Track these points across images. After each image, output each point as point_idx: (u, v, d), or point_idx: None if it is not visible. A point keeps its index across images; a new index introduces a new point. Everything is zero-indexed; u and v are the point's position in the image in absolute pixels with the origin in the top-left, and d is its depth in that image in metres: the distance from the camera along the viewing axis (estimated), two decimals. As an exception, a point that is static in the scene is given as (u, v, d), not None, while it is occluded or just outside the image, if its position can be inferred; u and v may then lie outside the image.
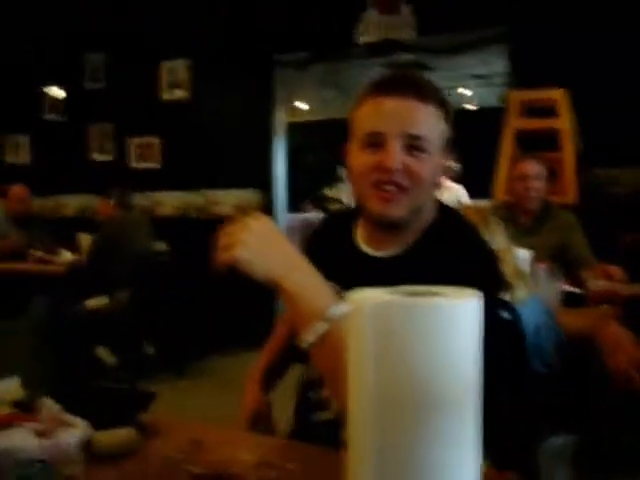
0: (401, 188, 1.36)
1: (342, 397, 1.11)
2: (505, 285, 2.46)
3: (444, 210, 1.51)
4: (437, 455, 0.58)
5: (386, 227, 1.43)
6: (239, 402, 1.80)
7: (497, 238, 2.49)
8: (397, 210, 1.38)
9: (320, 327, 1.11)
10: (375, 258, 1.48)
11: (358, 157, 1.41)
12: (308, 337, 1.13)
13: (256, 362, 1.85)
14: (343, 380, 1.08)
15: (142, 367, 5.28)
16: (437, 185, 1.45)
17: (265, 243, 1.16)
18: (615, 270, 3.24)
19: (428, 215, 1.47)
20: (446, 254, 1.37)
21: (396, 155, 1.34)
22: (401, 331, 0.58)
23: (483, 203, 5.16)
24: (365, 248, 1.51)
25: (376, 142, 1.37)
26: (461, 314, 0.59)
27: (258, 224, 1.17)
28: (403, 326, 0.58)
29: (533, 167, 3.79)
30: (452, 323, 0.58)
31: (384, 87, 1.40)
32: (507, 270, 2.48)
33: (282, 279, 1.15)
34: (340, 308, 1.12)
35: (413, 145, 1.36)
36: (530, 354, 2.39)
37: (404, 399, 0.58)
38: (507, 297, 2.41)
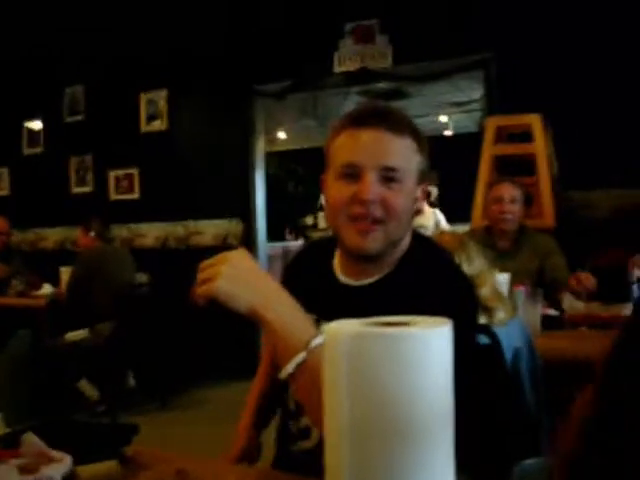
0: (377, 220, 1.38)
1: (321, 423, 1.13)
2: (482, 310, 2.49)
3: (418, 239, 1.53)
4: (412, 480, 0.60)
5: (362, 259, 1.45)
6: (223, 433, 1.80)
7: (475, 262, 2.52)
8: (373, 243, 1.40)
9: (299, 358, 1.12)
10: (352, 287, 1.49)
11: (334, 188, 1.43)
12: (288, 368, 1.13)
13: (251, 390, 1.86)
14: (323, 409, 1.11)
15: (125, 400, 5.24)
16: (413, 215, 1.48)
17: (245, 275, 1.17)
18: (586, 276, 3.25)
19: (404, 245, 1.49)
20: (421, 282, 1.39)
21: (372, 187, 1.37)
22: (374, 361, 0.60)
23: (461, 228, 5.21)
24: (342, 277, 1.53)
25: (352, 173, 1.39)
26: (431, 342, 0.61)
27: (237, 257, 1.19)
28: (376, 356, 0.60)
29: (508, 190, 3.81)
30: (423, 351, 0.60)
31: (360, 119, 1.42)
32: (486, 293, 2.51)
33: (263, 310, 1.15)
34: (319, 339, 1.12)
35: (388, 177, 1.38)
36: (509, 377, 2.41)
37: (378, 426, 0.60)
38: (486, 321, 2.44)
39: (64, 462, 1.23)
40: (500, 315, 2.48)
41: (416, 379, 0.59)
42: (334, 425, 0.63)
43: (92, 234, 5.45)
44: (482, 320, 2.45)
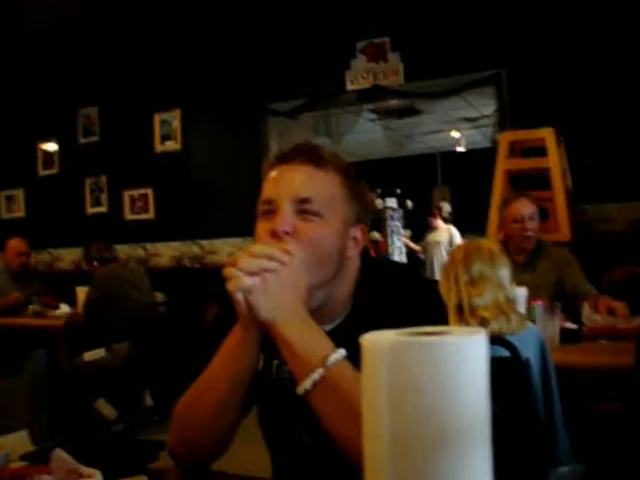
0: None
1: (342, 439, 1.14)
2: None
3: (365, 267, 1.45)
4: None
5: None
6: (242, 448, 1.78)
7: (500, 271, 2.53)
8: None
9: (316, 374, 1.13)
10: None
11: (257, 227, 1.36)
12: (305, 384, 1.15)
13: None
14: (343, 423, 1.11)
15: (142, 418, 5.24)
16: (345, 257, 1.37)
17: (278, 289, 1.18)
18: (618, 305, 3.23)
19: (351, 277, 1.42)
20: (387, 313, 1.24)
21: (285, 218, 1.29)
22: (413, 369, 0.61)
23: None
24: None
25: (270, 210, 1.33)
26: (469, 349, 0.62)
27: (282, 272, 1.19)
28: (415, 364, 0.61)
29: (527, 207, 3.81)
30: (461, 359, 0.61)
31: (282, 157, 1.39)
32: (501, 300, 2.52)
33: (282, 325, 1.18)
34: (337, 355, 1.14)
35: (304, 209, 1.31)
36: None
37: (419, 435, 0.61)
38: (499, 327, 2.45)
39: (94, 478, 1.24)
40: (513, 324, 2.48)
41: (455, 386, 0.60)
42: (375, 436, 0.63)
43: (95, 263, 5.43)
44: (495, 326, 2.46)
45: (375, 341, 0.63)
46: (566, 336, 3.03)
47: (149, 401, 5.58)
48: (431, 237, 9.39)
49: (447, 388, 0.60)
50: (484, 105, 7.54)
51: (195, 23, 6.77)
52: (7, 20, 7.53)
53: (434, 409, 0.60)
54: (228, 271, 1.19)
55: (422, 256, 9.86)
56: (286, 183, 1.33)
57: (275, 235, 1.28)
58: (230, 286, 1.18)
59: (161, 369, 5.44)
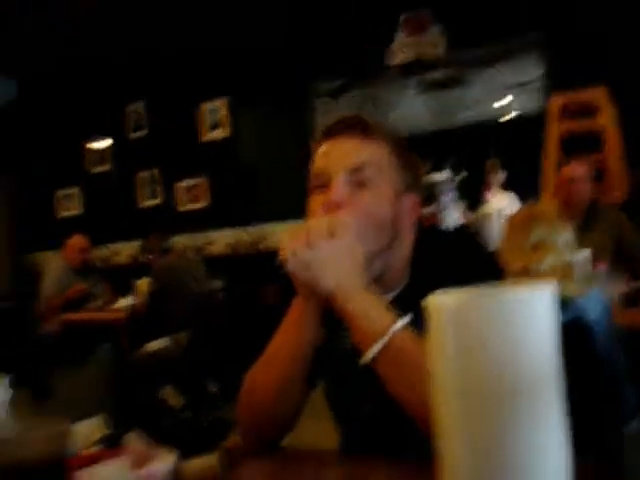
0: None
1: (408, 404, 1.14)
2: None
3: (426, 235, 1.44)
4: (525, 441, 0.60)
5: None
6: (308, 426, 1.78)
7: (561, 235, 2.49)
8: None
9: (380, 343, 1.15)
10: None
11: (310, 202, 1.36)
12: (369, 353, 1.16)
13: None
14: (408, 388, 1.13)
15: (208, 405, 5.31)
16: (399, 225, 1.36)
17: (336, 260, 1.19)
18: None
19: (407, 245, 1.40)
20: (452, 275, 1.14)
21: (338, 189, 1.30)
22: (481, 328, 0.60)
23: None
24: None
25: (323, 183, 1.33)
26: (538, 303, 0.61)
27: (339, 243, 1.20)
28: (483, 322, 0.60)
29: (578, 170, 3.79)
30: (530, 313, 0.61)
31: (329, 131, 1.38)
32: (562, 264, 2.48)
33: (344, 299, 1.19)
34: (399, 323, 1.16)
35: (356, 179, 1.31)
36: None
37: (489, 393, 0.60)
38: (566, 293, 2.41)
39: (169, 458, 1.26)
40: (575, 287, 2.45)
41: (525, 341, 0.60)
42: (444, 395, 0.64)
43: (153, 255, 5.51)
44: (557, 290, 2.41)
45: (440, 302, 0.63)
46: (629, 298, 2.98)
47: (213, 388, 5.65)
48: (483, 209, 9.29)
49: (516, 343, 0.60)
50: (531, 69, 7.41)
51: (237, 12, 6.77)
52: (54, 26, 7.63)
53: (504, 366, 0.60)
54: (285, 247, 1.20)
55: (474, 228, 9.76)
56: (336, 155, 1.33)
57: (329, 207, 1.29)
58: (289, 262, 1.19)
59: (222, 355, 5.50)
